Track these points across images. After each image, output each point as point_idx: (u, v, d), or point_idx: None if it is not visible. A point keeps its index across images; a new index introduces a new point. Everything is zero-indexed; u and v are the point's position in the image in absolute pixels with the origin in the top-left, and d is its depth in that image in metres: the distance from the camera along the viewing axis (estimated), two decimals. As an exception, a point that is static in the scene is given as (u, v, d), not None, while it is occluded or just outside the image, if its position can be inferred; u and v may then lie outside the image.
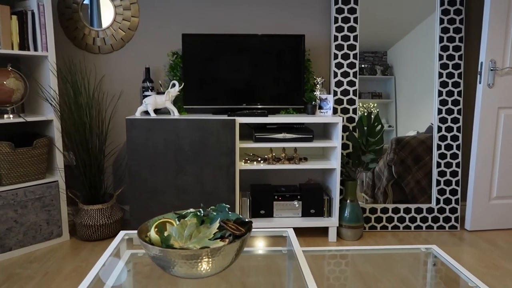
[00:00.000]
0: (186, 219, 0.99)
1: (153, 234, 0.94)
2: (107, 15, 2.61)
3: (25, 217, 2.26)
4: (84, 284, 0.98)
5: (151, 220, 1.03)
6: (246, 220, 1.02)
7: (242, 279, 1.15)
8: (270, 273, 1.22)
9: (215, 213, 1.03)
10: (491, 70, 2.51)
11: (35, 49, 2.27)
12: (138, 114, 2.38)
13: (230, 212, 1.03)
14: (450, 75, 2.62)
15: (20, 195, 2.24)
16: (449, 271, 1.17)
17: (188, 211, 1.07)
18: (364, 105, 2.70)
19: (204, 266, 0.89)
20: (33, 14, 2.23)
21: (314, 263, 1.25)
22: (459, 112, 2.64)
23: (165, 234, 0.93)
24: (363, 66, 2.67)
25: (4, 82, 2.18)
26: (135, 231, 1.24)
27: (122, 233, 1.23)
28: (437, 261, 1.23)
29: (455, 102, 2.64)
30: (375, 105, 2.70)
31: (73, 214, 2.77)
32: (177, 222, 1.01)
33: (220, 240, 0.92)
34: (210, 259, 0.88)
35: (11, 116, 2.24)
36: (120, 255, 1.21)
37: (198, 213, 1.03)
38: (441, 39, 2.61)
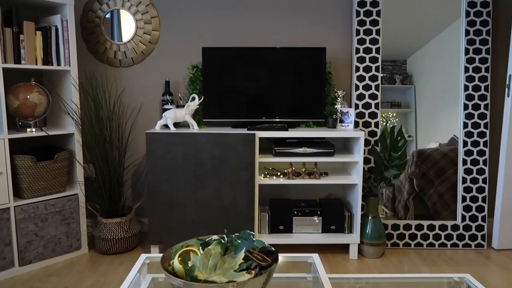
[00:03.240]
0: (210, 247, 0.96)
1: (176, 264, 0.91)
2: (128, 28, 2.63)
3: (45, 230, 2.27)
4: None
5: (174, 248, 1.00)
6: (272, 249, 0.98)
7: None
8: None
9: (239, 241, 0.99)
10: (520, 83, 2.42)
11: (58, 63, 2.30)
12: (158, 128, 2.38)
13: (255, 240, 0.99)
14: (476, 88, 2.55)
15: (41, 208, 2.25)
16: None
17: (212, 237, 1.04)
18: (383, 115, 2.64)
19: (230, 299, 0.85)
20: (56, 29, 2.26)
21: (340, 291, 1.20)
22: (485, 126, 2.55)
23: (189, 264, 0.90)
24: (382, 75, 2.62)
25: (28, 97, 2.21)
26: (156, 255, 1.21)
27: (143, 257, 1.21)
28: (470, 291, 1.17)
29: (482, 116, 2.55)
30: (394, 114, 2.64)
31: (92, 227, 2.78)
32: (201, 250, 0.98)
33: (246, 272, 0.89)
34: (236, 293, 0.85)
35: (33, 129, 2.27)
36: (140, 279, 1.19)
37: (222, 241, 1.00)
38: (466, 51, 2.54)
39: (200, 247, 0.99)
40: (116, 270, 2.24)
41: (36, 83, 2.27)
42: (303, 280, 1.18)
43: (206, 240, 1.03)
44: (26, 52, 2.16)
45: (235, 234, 1.02)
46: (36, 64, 2.21)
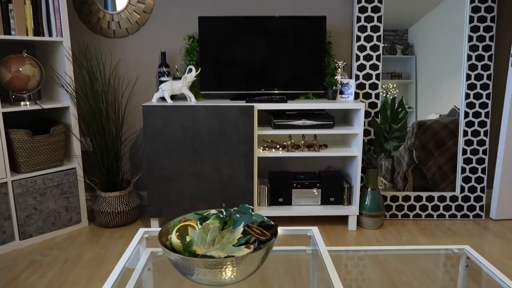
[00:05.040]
0: (208, 221, 0.94)
1: (174, 239, 0.90)
2: (121, -3, 2.54)
3: (44, 204, 2.27)
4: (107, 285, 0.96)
5: (172, 222, 0.99)
6: (272, 223, 0.97)
7: (265, 280, 1.11)
8: (291, 274, 1.18)
9: (238, 215, 0.98)
10: (525, 52, 2.36)
11: (50, 34, 2.22)
12: (154, 101, 2.33)
13: (253, 214, 0.98)
14: (479, 58, 2.49)
15: (39, 182, 2.24)
16: (482, 273, 1.11)
17: (210, 212, 1.02)
18: (383, 86, 2.59)
19: (228, 274, 0.85)
20: (46, -2, 2.18)
21: (340, 263, 1.20)
22: (488, 96, 2.51)
23: (187, 239, 0.89)
24: (382, 45, 2.55)
25: (20, 69, 2.15)
26: (154, 229, 1.21)
27: (141, 231, 1.20)
28: (469, 262, 1.17)
29: (484, 86, 2.51)
30: (395, 85, 2.59)
31: (92, 200, 2.78)
32: (199, 225, 0.96)
33: (245, 246, 0.88)
34: (235, 268, 0.84)
35: (27, 103, 2.22)
36: (139, 253, 1.18)
37: (221, 215, 0.99)
38: (471, 19, 2.46)
39: (198, 222, 0.98)
40: (116, 243, 2.26)
41: (28, 55, 2.21)
42: (302, 253, 1.17)
43: (204, 214, 1.02)
44: (16, 23, 2.09)
45: (234, 208, 1.00)
46: (27, 35, 2.14)
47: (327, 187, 2.44)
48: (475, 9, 2.45)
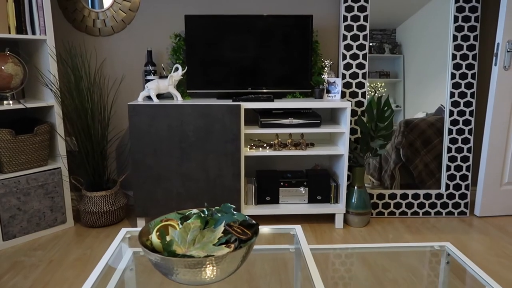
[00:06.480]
0: (189, 221, 0.94)
1: (154, 239, 0.89)
2: (107, -5, 2.51)
3: (28, 204, 2.24)
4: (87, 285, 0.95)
5: (153, 222, 0.98)
6: (253, 222, 0.97)
7: (248, 280, 1.11)
8: (277, 272, 1.19)
9: (219, 214, 0.98)
10: (508, 51, 2.40)
11: (33, 32, 2.19)
12: (140, 100, 2.32)
13: (235, 213, 0.98)
14: (464, 57, 2.52)
15: (23, 182, 2.21)
16: (463, 270, 1.13)
17: (192, 211, 1.02)
18: (372, 85, 2.61)
19: (208, 273, 0.85)
20: (29, -5, 2.14)
21: (323, 261, 1.21)
22: (472, 95, 2.54)
23: (167, 239, 0.88)
24: (371, 44, 2.57)
25: (2, 68, 2.12)
26: (137, 229, 1.20)
27: (123, 231, 1.19)
28: (450, 259, 1.18)
29: (469, 85, 2.54)
30: (383, 84, 2.61)
31: (77, 200, 2.75)
32: (180, 225, 0.96)
33: (225, 246, 0.88)
34: (215, 267, 0.84)
35: (10, 102, 2.19)
36: (122, 253, 1.18)
37: (202, 214, 0.98)
38: (455, 19, 2.49)
39: (180, 221, 0.97)
40: (102, 243, 2.24)
41: (10, 54, 2.17)
42: (286, 251, 1.18)
43: (186, 214, 1.02)
44: (-2, 20, 2.05)
45: (215, 207, 1.00)
46: (10, 33, 2.11)
47: (314, 186, 2.45)
48: (460, 9, 2.48)
